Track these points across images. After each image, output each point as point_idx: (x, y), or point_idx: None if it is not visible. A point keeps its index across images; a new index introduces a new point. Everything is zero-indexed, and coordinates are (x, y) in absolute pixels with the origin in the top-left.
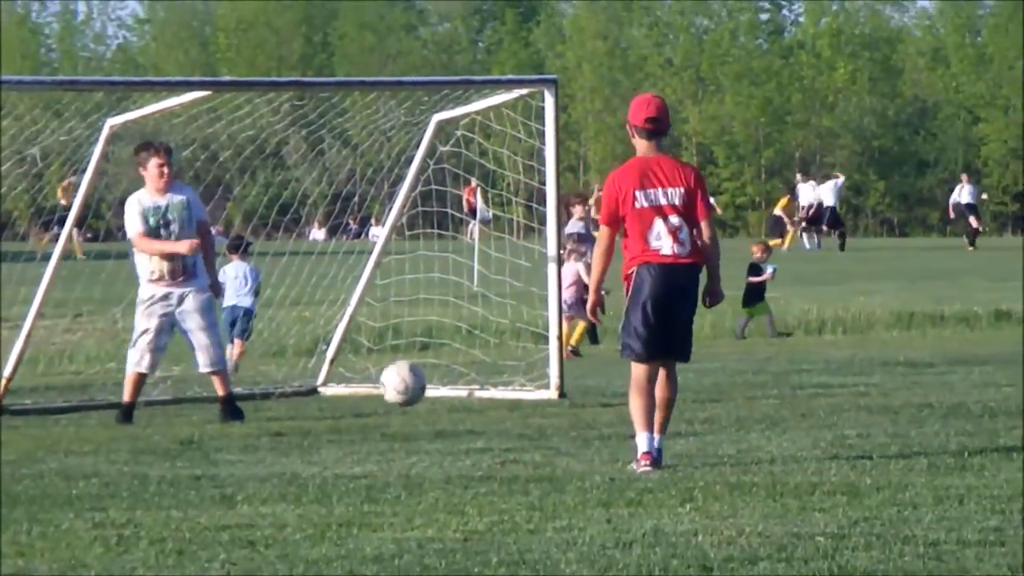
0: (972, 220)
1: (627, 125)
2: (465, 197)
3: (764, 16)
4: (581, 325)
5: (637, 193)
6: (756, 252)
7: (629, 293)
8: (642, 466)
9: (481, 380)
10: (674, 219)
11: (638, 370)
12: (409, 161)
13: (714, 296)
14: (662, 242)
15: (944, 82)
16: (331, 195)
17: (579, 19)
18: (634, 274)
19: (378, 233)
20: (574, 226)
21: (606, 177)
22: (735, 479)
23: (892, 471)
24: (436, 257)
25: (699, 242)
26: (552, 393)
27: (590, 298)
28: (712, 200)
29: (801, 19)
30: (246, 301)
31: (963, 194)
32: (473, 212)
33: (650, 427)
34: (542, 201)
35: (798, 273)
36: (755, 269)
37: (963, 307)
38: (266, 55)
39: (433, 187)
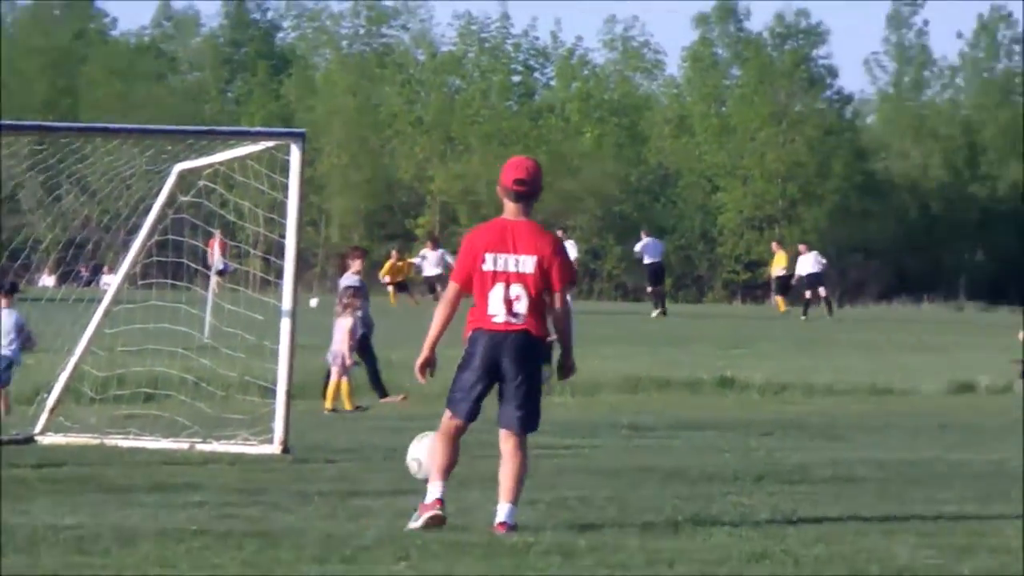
0: (817, 291)
1: (498, 187)
2: (209, 249)
3: (516, 78)
4: (346, 385)
5: (487, 256)
6: None
7: (464, 356)
8: (426, 515)
9: (204, 433)
10: (515, 288)
11: (450, 423)
12: (148, 210)
13: (567, 370)
14: (497, 310)
15: (687, 150)
16: (64, 241)
17: (331, 73)
18: (469, 339)
19: (110, 281)
20: (349, 279)
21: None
22: (452, 538)
23: (607, 533)
24: (167, 307)
25: (546, 313)
26: (276, 448)
27: (422, 354)
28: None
29: (552, 83)
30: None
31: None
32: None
33: (444, 477)
34: (280, 254)
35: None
36: None
37: (689, 373)
38: (9, 98)
39: (170, 237)
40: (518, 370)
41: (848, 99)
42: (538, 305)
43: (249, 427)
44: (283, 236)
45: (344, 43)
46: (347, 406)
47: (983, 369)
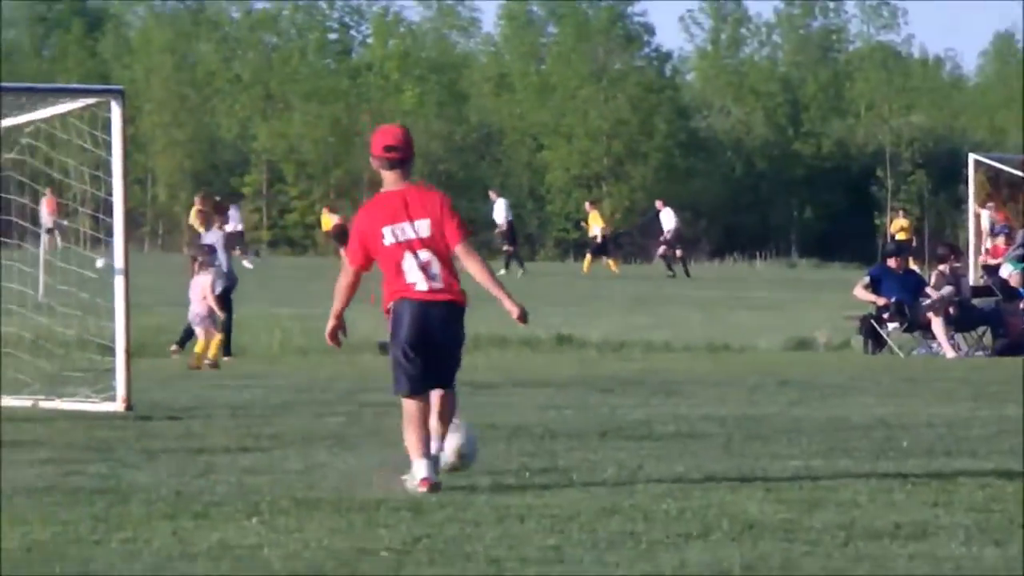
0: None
1: (372, 161)
2: (44, 208)
3: (333, 36)
4: (217, 338)
5: (384, 231)
6: None
7: (390, 329)
8: (422, 489)
9: (47, 391)
10: (423, 254)
11: (408, 405)
12: None
13: (522, 314)
14: (416, 278)
15: (509, 109)
16: None
17: (147, 31)
18: (392, 309)
19: None
20: (209, 237)
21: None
22: (302, 495)
23: (455, 489)
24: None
25: (453, 273)
26: (119, 405)
27: (330, 323)
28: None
29: (370, 40)
30: None
31: (667, 220)
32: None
33: (426, 454)
34: (109, 212)
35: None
36: None
37: (527, 331)
38: None
39: None
40: (445, 335)
41: (667, 56)
42: (449, 265)
43: (91, 384)
44: (110, 194)
45: (158, 1)
46: (212, 356)
47: (819, 325)
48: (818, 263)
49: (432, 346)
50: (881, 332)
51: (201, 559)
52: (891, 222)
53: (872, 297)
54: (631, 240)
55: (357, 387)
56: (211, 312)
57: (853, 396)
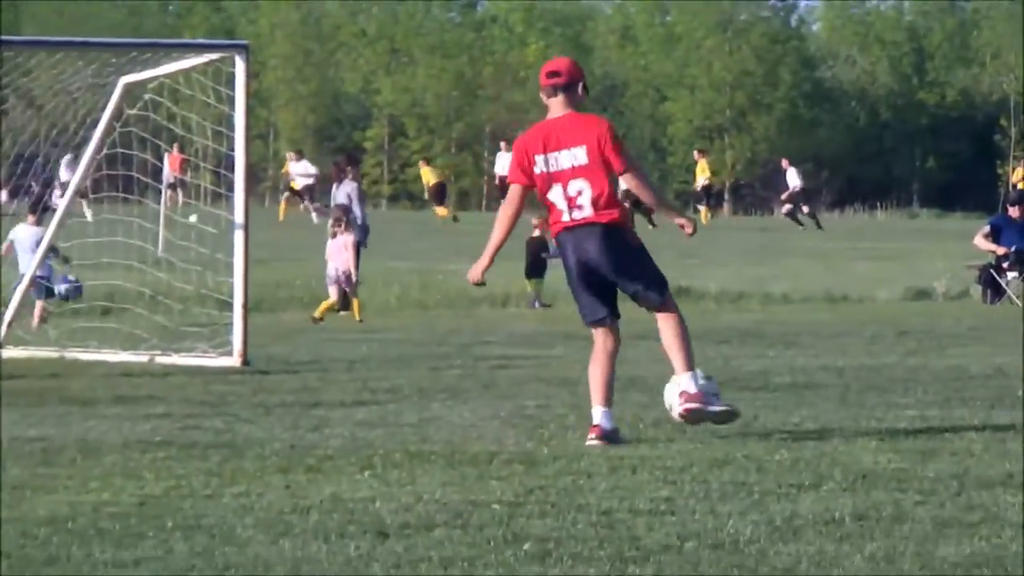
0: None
1: (541, 93)
2: (168, 164)
3: None
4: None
5: (538, 158)
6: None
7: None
8: (590, 439)
9: (164, 346)
10: (575, 183)
11: (596, 336)
12: (95, 123)
13: (693, 228)
14: (562, 207)
15: (633, 60)
16: (14, 156)
17: None
18: (558, 242)
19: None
20: (342, 190)
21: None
22: (415, 448)
23: (569, 441)
24: (120, 221)
25: (612, 197)
26: (235, 360)
27: (482, 261)
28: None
29: None
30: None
31: (792, 178)
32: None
33: (602, 401)
34: (231, 168)
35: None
36: (545, 246)
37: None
38: None
39: (119, 151)
40: (601, 262)
41: (793, 7)
42: (607, 191)
43: (208, 340)
44: (232, 150)
45: None
46: (357, 316)
47: (938, 276)
48: (940, 213)
49: (596, 274)
50: (1000, 281)
51: (314, 512)
52: (1013, 171)
53: (992, 246)
54: (752, 192)
55: (474, 340)
56: (348, 275)
57: (971, 346)
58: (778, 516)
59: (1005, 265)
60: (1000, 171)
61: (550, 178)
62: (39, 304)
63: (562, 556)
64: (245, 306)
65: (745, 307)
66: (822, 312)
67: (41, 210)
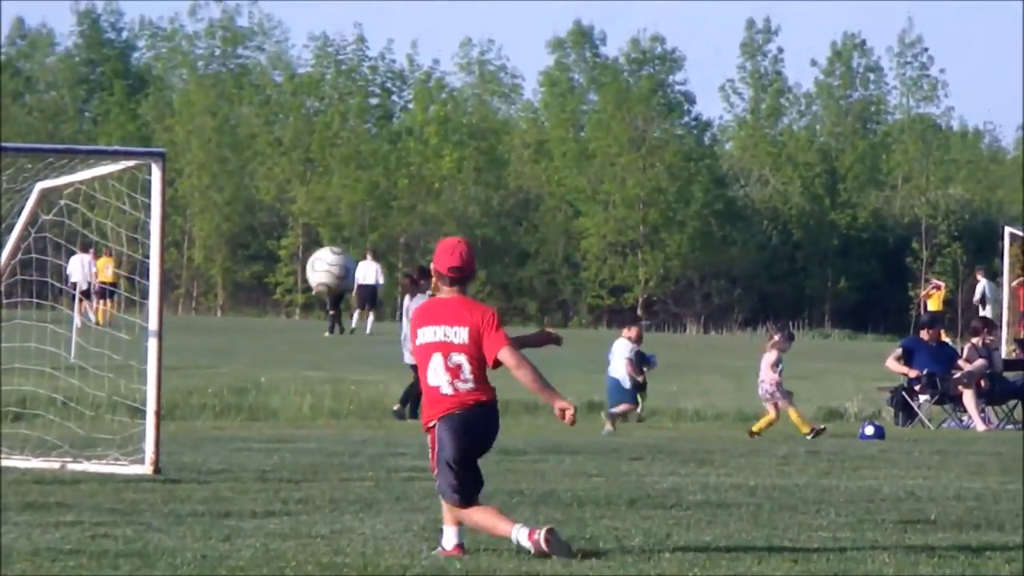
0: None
1: (432, 270)
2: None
3: (374, 100)
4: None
5: (419, 331)
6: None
7: (435, 445)
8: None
9: (75, 453)
10: (455, 356)
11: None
12: (10, 228)
13: (573, 416)
14: (438, 381)
15: (547, 175)
16: None
17: (188, 94)
18: (435, 429)
19: None
20: (415, 303)
21: None
22: (327, 559)
23: (482, 556)
24: (34, 327)
25: (484, 376)
26: (147, 468)
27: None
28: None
29: (410, 105)
30: None
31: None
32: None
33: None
34: (144, 275)
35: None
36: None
37: None
38: None
39: (34, 255)
40: (488, 441)
41: (706, 125)
42: (480, 369)
43: (119, 447)
44: (147, 256)
45: (200, 63)
46: (804, 430)
47: (851, 396)
48: (851, 333)
49: (476, 452)
50: (912, 404)
51: None
52: (926, 295)
53: (904, 369)
54: (665, 308)
55: (386, 451)
56: (779, 385)
57: (883, 468)
58: None
59: (917, 388)
60: (911, 293)
61: (429, 348)
62: None
63: None
64: (158, 413)
65: (657, 424)
66: (734, 430)
67: None
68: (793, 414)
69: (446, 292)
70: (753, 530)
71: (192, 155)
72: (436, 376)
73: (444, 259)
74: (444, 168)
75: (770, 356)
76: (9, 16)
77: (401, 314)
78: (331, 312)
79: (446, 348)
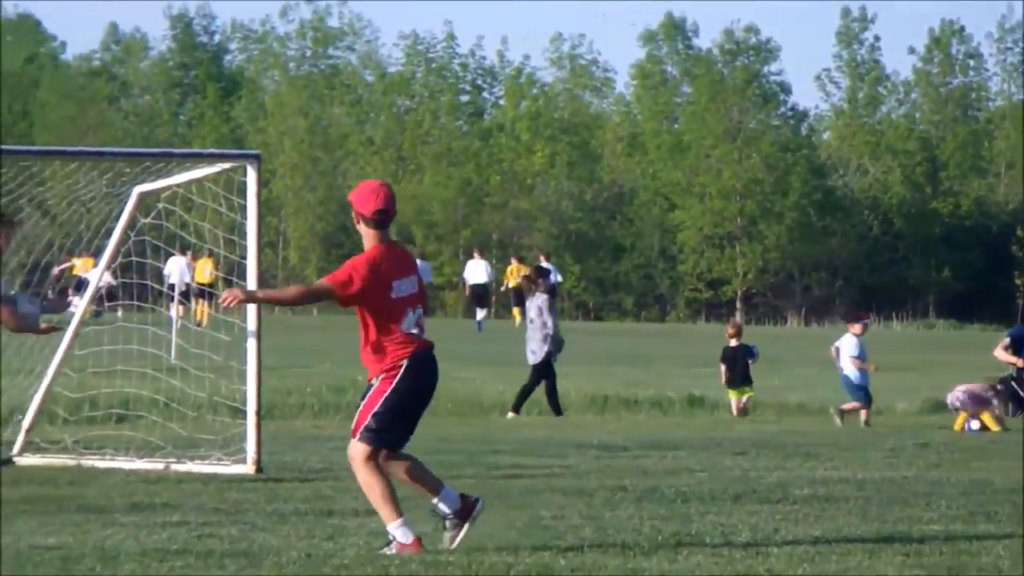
0: None
1: (353, 212)
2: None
3: (464, 98)
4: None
5: (394, 284)
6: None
7: (400, 380)
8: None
9: (178, 454)
10: (418, 309)
11: (380, 456)
12: (109, 233)
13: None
14: (415, 331)
15: (641, 168)
16: (30, 264)
17: (280, 95)
18: (411, 360)
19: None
20: (534, 302)
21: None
22: (431, 558)
23: (586, 553)
24: (135, 329)
25: None
26: (249, 468)
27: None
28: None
29: (501, 102)
30: None
31: None
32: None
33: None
34: (242, 275)
35: (495, 354)
36: (749, 351)
37: (656, 392)
38: None
39: (133, 259)
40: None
41: (803, 115)
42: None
43: (222, 447)
44: (243, 257)
45: (292, 65)
46: (994, 427)
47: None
48: (956, 324)
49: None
50: (1022, 394)
51: None
52: None
53: (1013, 359)
54: (764, 301)
55: (485, 448)
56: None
57: (995, 459)
58: None
59: None
60: (1017, 281)
61: (403, 302)
62: None
63: None
64: (258, 413)
65: (759, 418)
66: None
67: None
68: (986, 417)
69: (376, 236)
70: (862, 524)
71: (285, 156)
72: (411, 328)
73: (368, 203)
74: (536, 163)
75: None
76: (103, 22)
77: (524, 314)
78: None
79: (412, 301)
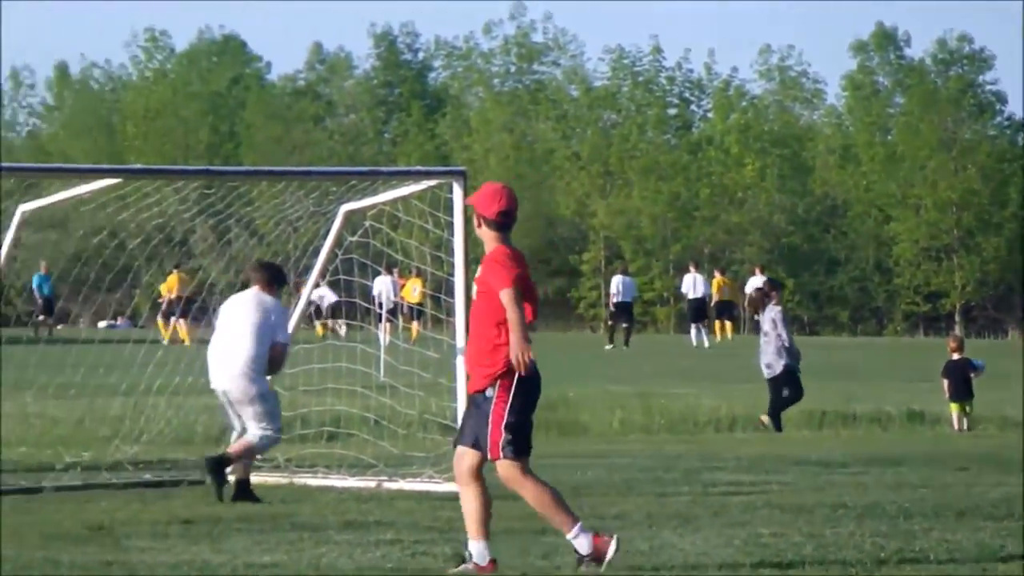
0: None
1: (475, 215)
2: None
3: (672, 111)
4: None
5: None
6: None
7: (517, 383)
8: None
9: (389, 472)
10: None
11: (518, 468)
12: (316, 251)
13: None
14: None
15: (854, 180)
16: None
17: (485, 111)
18: (529, 369)
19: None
20: (768, 315)
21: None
22: (645, 574)
23: (807, 570)
24: (344, 347)
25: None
26: None
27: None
28: None
29: (710, 115)
30: None
31: None
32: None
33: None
34: (450, 292)
35: (709, 369)
36: (972, 365)
37: (875, 407)
38: (173, 144)
39: (341, 277)
40: None
41: (1021, 125)
42: None
43: (433, 465)
44: (451, 274)
45: (496, 81)
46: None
47: None
48: None
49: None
50: None
51: None
52: None
53: None
54: (984, 314)
55: (701, 466)
56: None
57: None
58: None
59: None
60: None
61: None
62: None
63: None
64: None
65: (981, 432)
66: None
67: None
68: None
69: (496, 239)
70: None
71: (490, 172)
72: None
73: (492, 204)
74: (747, 176)
75: None
76: (307, 42)
77: (758, 328)
78: (610, 323)
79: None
